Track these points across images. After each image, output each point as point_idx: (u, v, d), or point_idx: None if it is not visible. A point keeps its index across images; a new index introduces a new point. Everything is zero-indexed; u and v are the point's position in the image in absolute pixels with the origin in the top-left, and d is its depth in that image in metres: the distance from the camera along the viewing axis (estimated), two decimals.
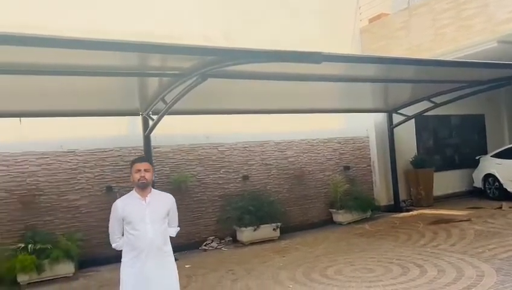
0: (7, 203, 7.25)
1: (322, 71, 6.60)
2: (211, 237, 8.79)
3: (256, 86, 7.14)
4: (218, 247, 8.60)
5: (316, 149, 10.51)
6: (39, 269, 6.69)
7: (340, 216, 10.06)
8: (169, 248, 3.76)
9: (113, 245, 3.80)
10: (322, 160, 10.55)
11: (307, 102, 9.11)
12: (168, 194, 3.89)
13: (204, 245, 8.58)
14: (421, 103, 10.42)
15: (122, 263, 3.71)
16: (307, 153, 10.35)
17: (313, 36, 9.59)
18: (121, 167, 8.21)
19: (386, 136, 11.31)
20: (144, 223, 3.57)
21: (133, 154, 8.32)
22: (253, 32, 8.99)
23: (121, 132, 8.28)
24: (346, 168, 10.82)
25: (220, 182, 9.22)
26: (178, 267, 3.89)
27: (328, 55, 4.00)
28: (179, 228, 3.97)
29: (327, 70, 6.59)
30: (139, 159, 3.88)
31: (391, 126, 11.21)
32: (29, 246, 6.78)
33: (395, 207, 11.12)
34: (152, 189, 3.76)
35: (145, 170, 3.63)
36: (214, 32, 8.48)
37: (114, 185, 8.11)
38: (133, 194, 3.70)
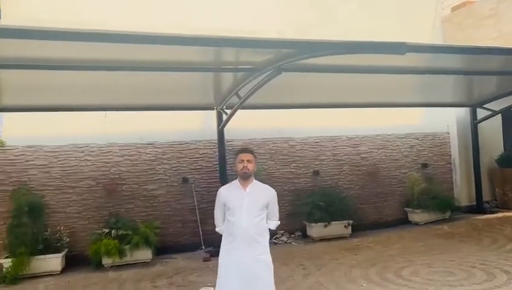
0: (94, 191, 7.81)
1: (400, 63, 6.29)
2: (281, 231, 8.81)
3: (328, 80, 6.99)
4: (288, 241, 8.61)
5: (392, 145, 10.10)
6: (121, 253, 7.11)
7: (417, 216, 9.60)
8: (264, 239, 3.78)
9: (216, 229, 3.99)
10: (398, 156, 10.12)
11: (382, 95, 8.76)
12: (270, 187, 3.92)
13: (275, 239, 8.62)
14: (510, 96, 9.57)
15: (221, 247, 3.86)
16: (381, 149, 9.98)
17: (389, 27, 9.19)
18: (196, 159, 8.50)
19: (468, 132, 10.57)
20: (241, 212, 3.68)
21: (207, 147, 8.58)
22: (326, 24, 8.83)
23: (196, 125, 8.55)
24: (424, 165, 10.29)
25: (290, 176, 9.20)
26: None
27: (412, 45, 3.78)
28: (279, 222, 3.95)
29: (406, 62, 6.26)
30: (243, 150, 3.92)
31: (474, 121, 10.46)
32: (113, 231, 7.24)
33: (478, 208, 10.38)
34: (254, 180, 3.85)
35: (248, 161, 3.74)
36: (287, 27, 8.43)
37: (189, 176, 8.41)
38: (236, 182, 3.83)
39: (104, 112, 7.76)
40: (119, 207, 7.92)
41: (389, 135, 10.09)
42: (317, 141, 9.49)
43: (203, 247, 8.14)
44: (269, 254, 3.81)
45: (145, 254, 7.37)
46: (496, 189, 10.81)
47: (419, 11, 10.45)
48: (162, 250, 7.78)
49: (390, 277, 5.89)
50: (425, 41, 9.53)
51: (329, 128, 9.49)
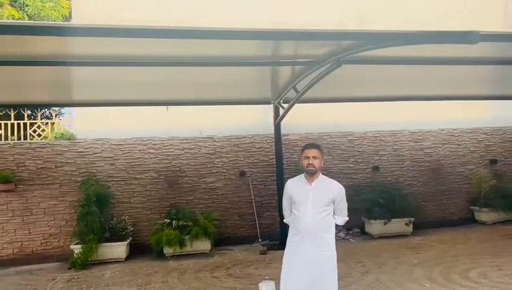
0: (156, 182, 8.12)
1: (469, 53, 5.92)
2: (339, 227, 8.65)
3: (390, 72, 6.71)
4: (346, 237, 8.45)
5: (457, 140, 9.58)
6: (181, 243, 7.35)
7: (484, 215, 9.05)
8: (330, 236, 3.74)
9: (284, 220, 4.05)
10: (464, 152, 9.58)
11: (449, 88, 8.28)
12: (337, 182, 3.86)
13: None
14: None
15: (287, 238, 3.89)
16: (446, 144, 9.50)
17: (455, 15, 8.69)
18: (253, 153, 8.57)
19: None
20: (305, 207, 3.68)
21: (264, 141, 8.62)
22: (389, 14, 8.51)
23: (253, 120, 8.60)
24: (493, 161, 9.66)
25: (348, 171, 9.01)
26: None
27: (486, 34, 3.51)
28: (347, 218, 3.90)
29: (475, 53, 5.89)
30: (309, 146, 3.85)
31: None
32: (174, 222, 7.49)
33: None
34: (321, 175, 3.82)
35: (314, 157, 3.70)
36: (347, 18, 8.23)
37: (247, 170, 8.50)
38: (302, 177, 3.83)
39: (166, 106, 8.02)
40: (179, 199, 8.17)
41: (454, 130, 9.58)
42: (377, 135, 9.21)
43: (260, 240, 8.21)
44: (334, 251, 3.75)
45: (204, 244, 7.56)
46: None
47: None
48: (220, 241, 7.95)
49: (456, 278, 5.61)
50: (496, 28, 8.96)
51: (390, 123, 9.18)
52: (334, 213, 3.80)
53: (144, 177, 8.08)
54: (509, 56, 6.49)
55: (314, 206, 3.67)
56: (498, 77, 8.18)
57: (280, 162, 8.19)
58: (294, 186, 3.83)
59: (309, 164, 3.69)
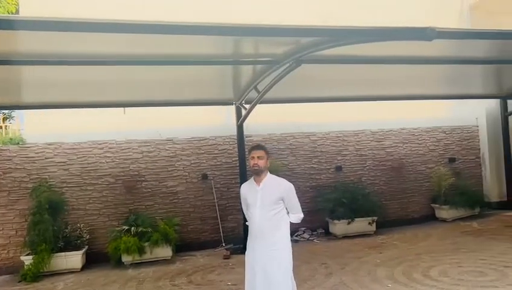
0: (114, 188, 7.78)
1: (426, 52, 5.98)
2: (303, 228, 8.60)
3: (350, 72, 6.72)
4: (310, 238, 8.40)
5: (418, 139, 9.74)
6: (141, 250, 7.06)
7: (444, 212, 9.23)
8: (281, 234, 3.83)
9: (246, 223, 4.09)
10: (424, 151, 9.75)
11: (408, 87, 8.42)
12: (285, 180, 3.96)
13: (296, 236, 8.42)
14: None
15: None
16: (407, 143, 9.64)
17: (413, 15, 8.79)
18: (215, 155, 8.38)
19: (499, 125, 10.08)
20: (255, 208, 3.82)
21: (227, 142, 8.44)
22: (350, 13, 8.50)
23: (215, 121, 8.41)
24: (452, 160, 9.89)
25: (312, 172, 8.97)
26: None
27: (442, 31, 3.50)
28: (301, 215, 3.97)
29: (432, 51, 5.96)
30: (255, 147, 4.00)
31: (505, 114, 9.96)
32: (132, 228, 7.19)
33: (509, 204, 9.90)
34: (269, 175, 3.94)
35: (259, 157, 3.84)
36: (310, 19, 8.17)
37: (209, 172, 8.30)
38: (252, 179, 3.98)
39: (123, 108, 7.71)
40: (138, 204, 7.87)
41: (415, 129, 9.74)
42: (340, 135, 9.22)
43: (224, 244, 8.02)
44: (286, 250, 3.84)
45: (164, 251, 7.30)
46: None
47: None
48: (182, 247, 7.71)
49: (418, 277, 5.62)
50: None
51: (352, 123, 9.22)
52: (288, 212, 3.91)
53: (100, 182, 7.72)
54: (464, 55, 6.63)
55: (263, 206, 3.78)
56: (455, 76, 8.37)
57: (243, 164, 8.02)
58: (246, 190, 3.98)
59: (254, 164, 3.84)
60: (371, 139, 9.42)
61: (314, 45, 4.62)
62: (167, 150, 8.12)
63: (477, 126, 10.27)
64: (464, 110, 10.09)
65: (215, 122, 8.40)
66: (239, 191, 7.98)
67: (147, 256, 7.17)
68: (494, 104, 10.16)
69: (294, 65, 5.30)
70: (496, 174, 10.16)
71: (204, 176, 8.26)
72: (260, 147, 4.00)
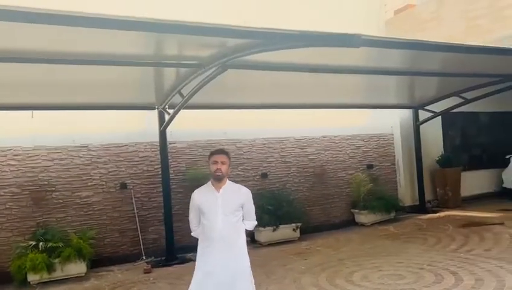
0: (18, 199, 7.00)
1: (345, 62, 6.16)
2: None
3: (275, 79, 6.74)
4: None
5: (338, 146, 10.05)
6: (50, 268, 6.43)
7: (363, 217, 9.59)
8: (242, 241, 3.75)
9: (192, 233, 3.90)
10: (344, 158, 10.09)
11: (329, 96, 8.66)
12: (244, 187, 3.89)
13: None
14: (449, 99, 9.87)
15: (197, 250, 3.77)
16: (328, 150, 9.90)
17: (332, 29, 9.12)
18: (135, 163, 7.92)
19: (411, 134, 10.78)
20: (215, 215, 3.62)
21: (148, 149, 8.03)
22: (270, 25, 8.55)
23: (136, 126, 7.95)
24: (370, 166, 10.35)
25: (238, 179, 8.79)
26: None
27: (367, 39, 3.56)
28: (256, 222, 3.92)
29: (350, 61, 6.15)
30: (217, 151, 3.83)
31: (417, 123, 10.68)
32: (40, 244, 6.52)
33: (421, 208, 10.60)
34: (228, 181, 3.78)
35: (222, 162, 3.67)
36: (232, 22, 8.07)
37: (128, 181, 7.81)
38: (209, 185, 3.76)
39: (31, 111, 6.99)
40: (48, 217, 7.15)
41: (335, 137, 10.04)
42: (265, 142, 9.22)
43: (144, 257, 7.58)
44: (247, 256, 3.74)
45: (78, 267, 6.70)
46: (437, 189, 11.10)
47: (365, 14, 10.51)
48: (98, 262, 7.16)
49: (341, 283, 5.70)
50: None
51: (277, 130, 9.26)
52: (243, 219, 3.80)
53: (2, 193, 6.90)
54: (381, 66, 6.93)
55: (225, 213, 3.62)
56: (372, 87, 8.78)
57: (166, 172, 7.67)
58: (201, 196, 3.75)
59: (217, 169, 3.64)
60: (295, 146, 9.54)
61: (241, 50, 4.50)
62: (81, 157, 7.50)
63: (393, 134, 10.87)
64: (381, 119, 10.62)
65: (135, 127, 7.93)
66: (161, 201, 7.65)
67: (58, 274, 6.53)
68: (407, 114, 10.83)
69: (220, 70, 5.14)
70: (409, 180, 10.82)
71: (123, 185, 7.75)
72: (223, 152, 3.81)
